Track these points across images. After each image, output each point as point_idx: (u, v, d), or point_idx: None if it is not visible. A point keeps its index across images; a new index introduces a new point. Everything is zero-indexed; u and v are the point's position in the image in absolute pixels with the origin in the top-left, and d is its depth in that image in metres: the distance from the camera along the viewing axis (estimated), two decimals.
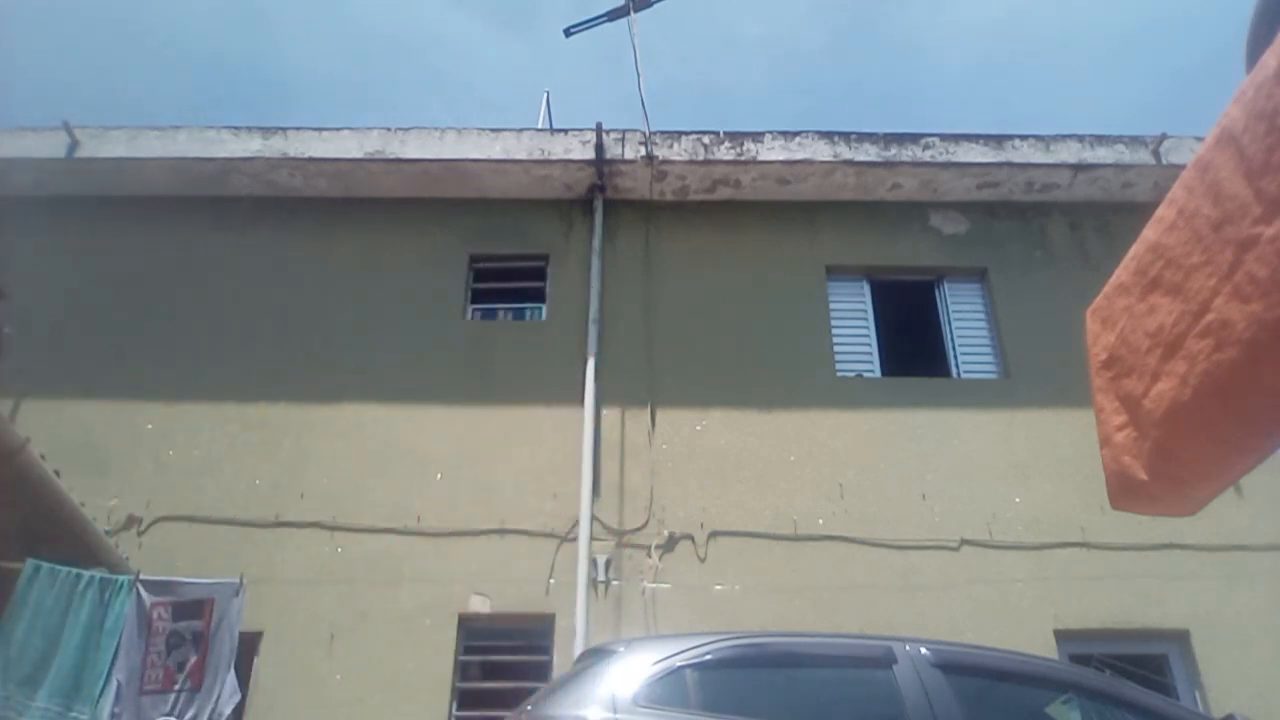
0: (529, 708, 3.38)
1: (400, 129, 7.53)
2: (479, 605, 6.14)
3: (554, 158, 7.44)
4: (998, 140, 7.62)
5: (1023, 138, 7.63)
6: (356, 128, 7.53)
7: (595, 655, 3.61)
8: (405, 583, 6.20)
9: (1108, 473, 1.69)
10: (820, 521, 6.48)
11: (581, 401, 6.78)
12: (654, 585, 6.23)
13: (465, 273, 7.55)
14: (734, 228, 7.73)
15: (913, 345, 7.53)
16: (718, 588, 6.24)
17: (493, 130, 7.54)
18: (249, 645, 5.71)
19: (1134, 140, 7.62)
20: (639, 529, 6.44)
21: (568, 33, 7.91)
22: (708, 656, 3.40)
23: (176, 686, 4.74)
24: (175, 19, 20.40)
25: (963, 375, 7.25)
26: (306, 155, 7.44)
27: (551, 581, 6.21)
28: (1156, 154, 7.54)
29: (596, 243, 7.51)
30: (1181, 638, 6.13)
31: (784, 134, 7.55)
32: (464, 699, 5.95)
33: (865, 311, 7.52)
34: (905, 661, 3.42)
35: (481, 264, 7.68)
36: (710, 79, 24.28)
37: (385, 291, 7.36)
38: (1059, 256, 7.64)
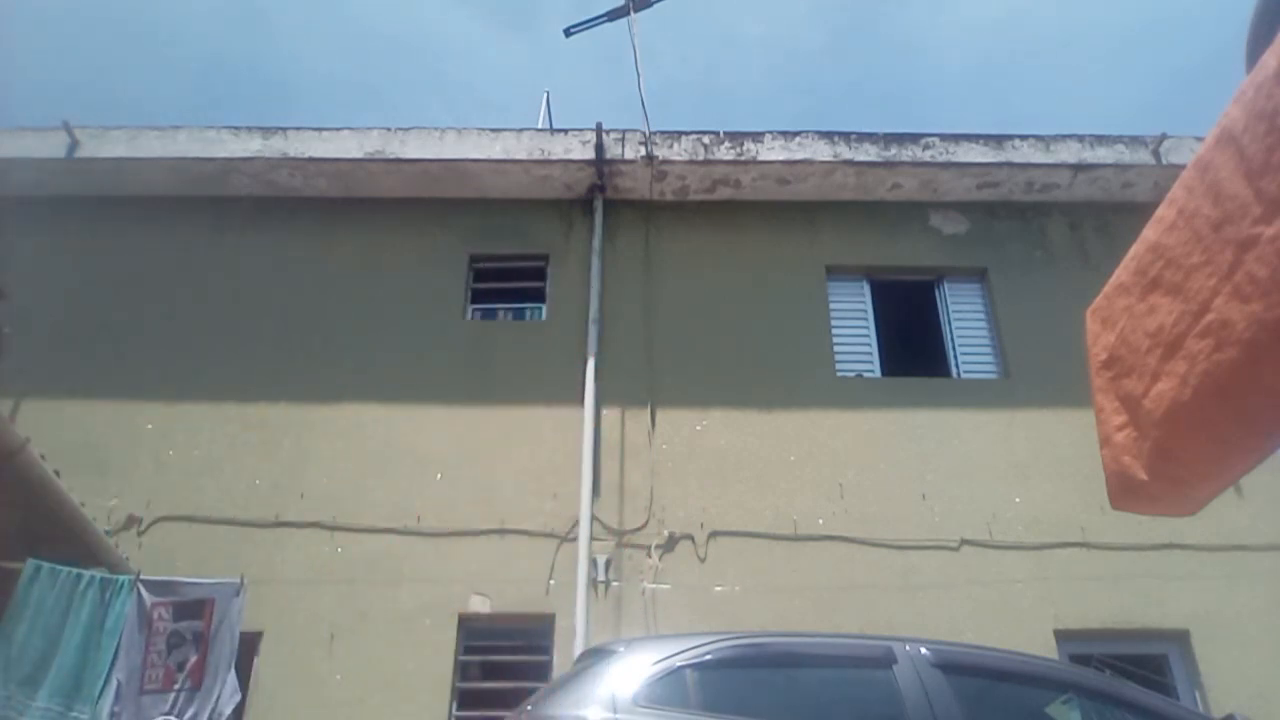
0: (529, 708, 3.38)
1: (400, 129, 7.53)
2: (479, 605, 6.14)
3: (554, 158, 7.44)
4: (998, 140, 7.62)
5: (1023, 138, 7.63)
6: (356, 128, 7.53)
7: (595, 655, 3.61)
8: (405, 583, 6.20)
9: (1108, 473, 1.69)
10: (820, 521, 6.48)
11: (581, 401, 6.78)
12: (654, 585, 6.23)
13: (465, 273, 7.55)
14: (734, 228, 7.74)
15: (913, 345, 7.53)
16: (718, 588, 6.24)
17: (493, 130, 7.55)
18: (249, 645, 5.70)
19: (1134, 140, 7.62)
20: (639, 529, 6.44)
21: (568, 33, 7.91)
22: (708, 656, 3.40)
23: (176, 686, 4.74)
24: (175, 19, 20.42)
25: (963, 375, 7.25)
26: (306, 155, 7.44)
27: (551, 581, 6.21)
28: (1156, 154, 7.54)
29: (596, 243, 7.51)
30: (1181, 638, 6.13)
31: (784, 134, 7.55)
32: (464, 699, 5.95)
33: (865, 311, 7.52)
34: (905, 661, 3.42)
35: (481, 264, 7.68)
36: (710, 79, 24.29)
37: (385, 291, 7.36)
38: (1059, 256, 7.64)
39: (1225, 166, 1.34)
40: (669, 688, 3.27)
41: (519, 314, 7.58)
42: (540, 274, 7.61)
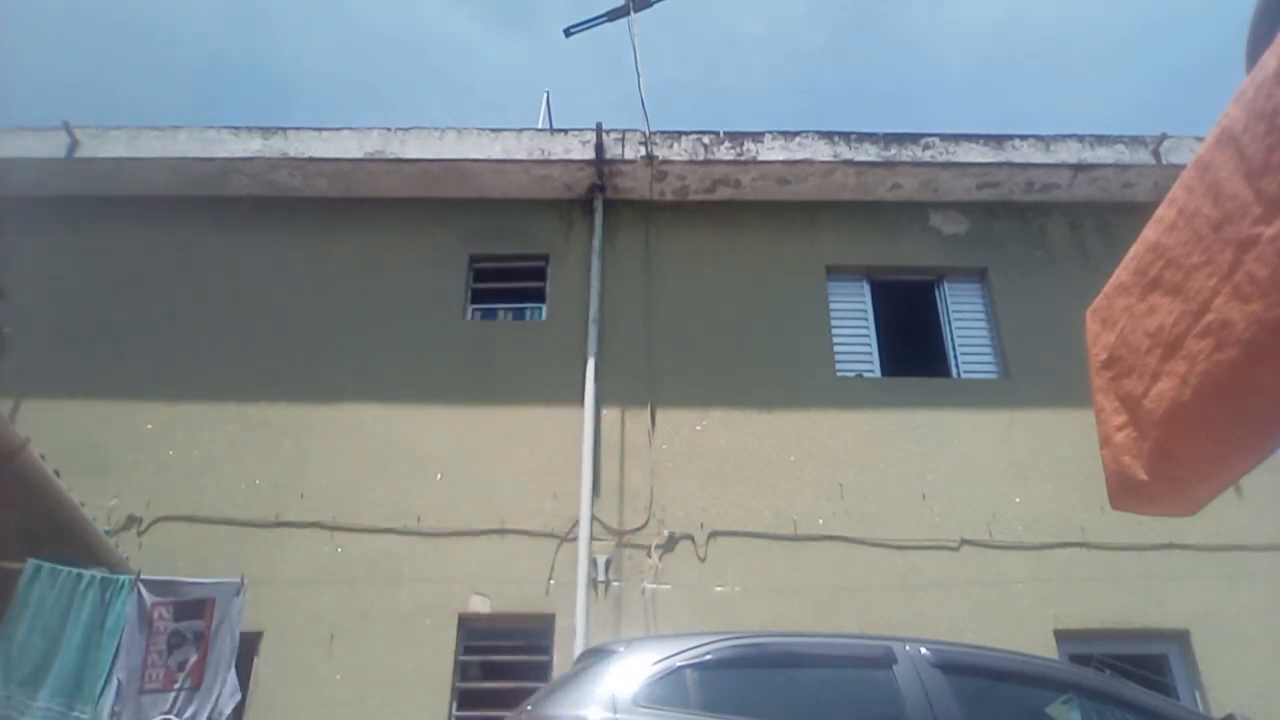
0: (529, 708, 3.38)
1: (400, 129, 7.53)
2: (479, 605, 6.14)
3: (554, 158, 7.44)
4: (998, 140, 7.62)
5: (1023, 138, 7.63)
6: (356, 128, 7.53)
7: (595, 655, 3.61)
8: (405, 583, 6.20)
9: (1108, 473, 1.69)
10: (820, 521, 6.48)
11: (581, 401, 6.78)
12: (654, 585, 6.23)
13: (465, 273, 7.55)
14: (734, 228, 7.74)
15: (913, 345, 7.53)
16: (718, 588, 6.24)
17: (493, 130, 7.55)
18: (249, 645, 5.70)
19: (1134, 140, 7.62)
20: (639, 529, 6.44)
21: (568, 33, 7.91)
22: (708, 656, 3.40)
23: (177, 686, 4.74)
24: (175, 19, 20.42)
25: (963, 375, 7.25)
26: (306, 155, 7.44)
27: (551, 581, 6.21)
28: (1156, 154, 7.54)
29: (596, 243, 7.51)
30: (1181, 638, 6.13)
31: (784, 134, 7.55)
32: (464, 699, 5.95)
33: (865, 311, 7.52)
34: (905, 661, 3.42)
35: (481, 264, 7.68)
36: (710, 79, 24.29)
37: (385, 291, 7.36)
38: (1059, 256, 7.64)
39: (1225, 166, 1.34)
40: (669, 688, 3.26)
41: (519, 314, 7.58)
42: (540, 274, 7.61)
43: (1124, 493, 1.66)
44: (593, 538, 6.29)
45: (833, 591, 6.20)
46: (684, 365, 7.09)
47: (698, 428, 6.85)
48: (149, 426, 6.76)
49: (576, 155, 7.44)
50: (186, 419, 6.80)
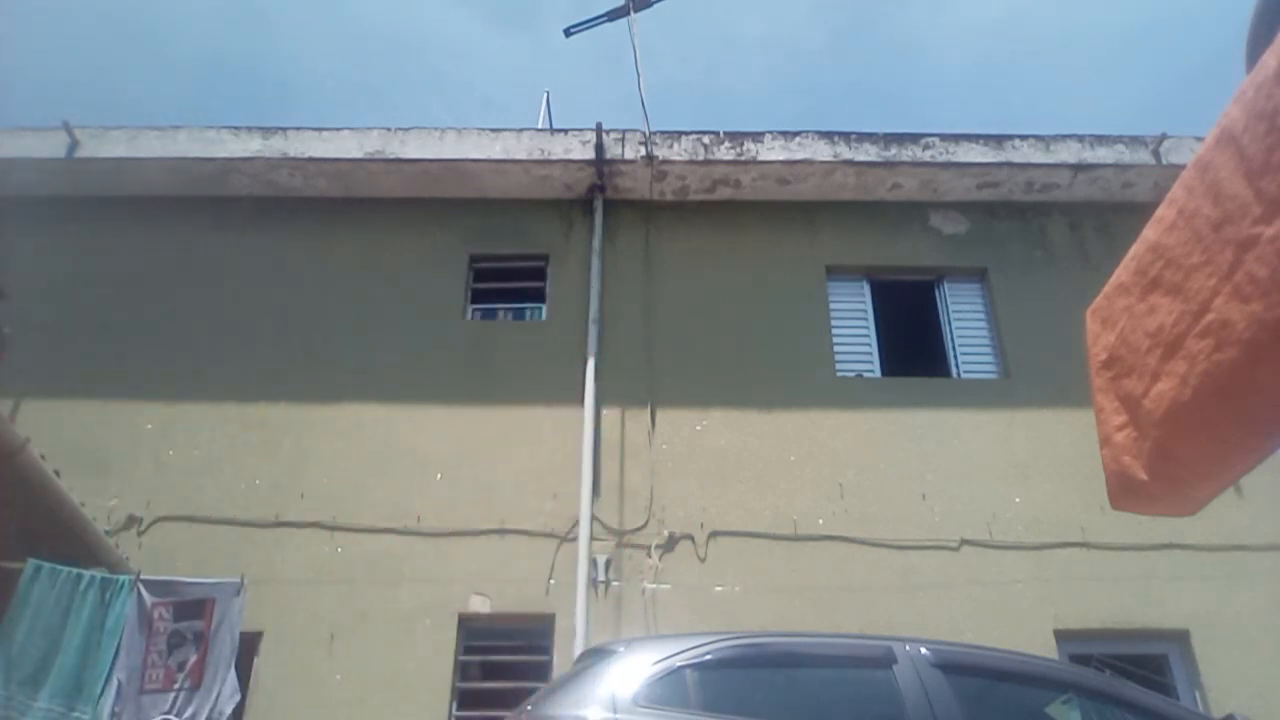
0: (529, 708, 3.38)
1: (400, 129, 7.53)
2: (479, 605, 6.14)
3: (554, 158, 7.44)
4: (998, 140, 7.62)
5: (1023, 138, 7.63)
6: (356, 128, 7.53)
7: (595, 655, 3.61)
8: (405, 583, 6.20)
9: (1108, 473, 1.69)
10: (820, 521, 6.48)
11: (581, 401, 6.78)
12: (654, 585, 6.23)
13: (465, 273, 7.55)
14: (734, 228, 7.73)
15: (913, 345, 7.53)
16: (718, 588, 6.24)
17: (493, 130, 7.55)
18: (249, 645, 5.70)
19: (1134, 140, 7.62)
20: (639, 529, 6.44)
21: (568, 33, 7.91)
22: (708, 656, 3.40)
23: (177, 686, 4.74)
24: (175, 19, 20.42)
25: (963, 375, 7.25)
26: (306, 155, 7.44)
27: (551, 581, 6.21)
28: (1156, 154, 7.54)
29: (596, 243, 7.51)
30: (1181, 638, 6.13)
31: (784, 134, 7.55)
32: (464, 699, 5.95)
33: (865, 311, 7.52)
34: (905, 661, 3.42)
35: (481, 264, 7.68)
36: (710, 79, 24.29)
37: (385, 291, 7.36)
38: (1059, 256, 7.64)
39: (1225, 166, 1.34)
40: (669, 688, 3.26)
41: (519, 314, 7.58)
42: (540, 274, 7.61)
43: (1124, 493, 1.66)
44: (593, 538, 6.29)
45: (833, 591, 6.20)
46: (684, 365, 7.09)
47: (698, 428, 6.85)
48: (149, 426, 6.76)
49: (576, 155, 7.44)
50: (186, 419, 6.80)
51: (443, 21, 23.14)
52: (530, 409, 6.85)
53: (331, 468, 6.62)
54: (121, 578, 4.85)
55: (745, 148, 7.48)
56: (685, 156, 7.44)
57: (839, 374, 7.16)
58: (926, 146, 7.55)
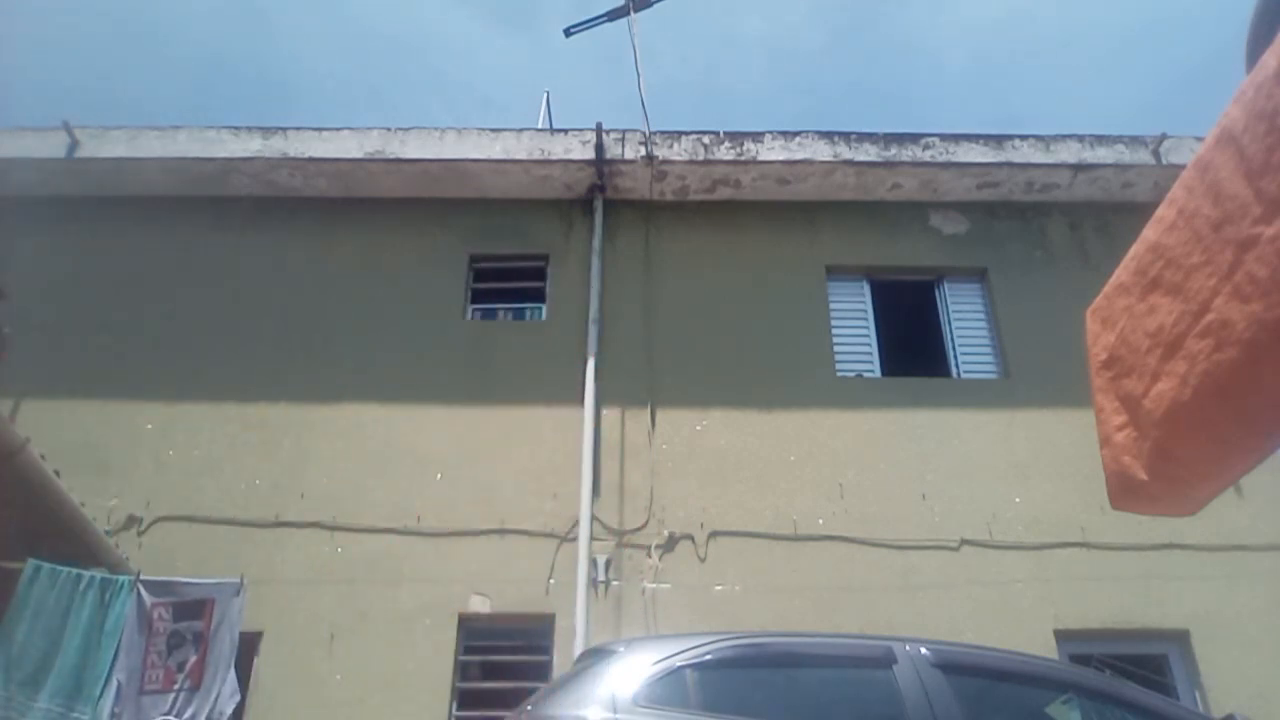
0: (529, 708, 3.38)
1: (400, 129, 7.53)
2: (479, 605, 6.14)
3: (554, 158, 7.44)
4: (998, 140, 7.62)
5: (1023, 138, 7.63)
6: (356, 128, 7.53)
7: (595, 655, 3.61)
8: (405, 583, 6.20)
9: (1108, 473, 1.69)
10: (820, 521, 6.48)
11: (581, 401, 6.78)
12: (654, 585, 6.23)
13: (465, 273, 7.55)
14: (734, 228, 7.73)
15: (913, 345, 7.53)
16: (718, 588, 6.24)
17: (493, 130, 7.55)
18: (249, 645, 5.70)
19: (1134, 140, 7.62)
20: (639, 529, 6.44)
21: (568, 33, 7.91)
22: (708, 656, 3.40)
23: (176, 686, 4.74)
24: (175, 19, 20.42)
25: (963, 375, 7.25)
26: (306, 155, 7.44)
27: (551, 581, 6.21)
28: (1156, 154, 7.54)
29: (596, 243, 7.51)
30: (1181, 638, 6.13)
31: (784, 134, 7.55)
32: (464, 699, 5.95)
33: (865, 311, 7.52)
34: (905, 661, 3.42)
35: (481, 264, 7.68)
36: (710, 79, 24.29)
37: (385, 291, 7.36)
38: (1059, 256, 7.64)
39: (1225, 166, 1.34)
40: (669, 688, 3.26)
41: (519, 314, 7.58)
42: (540, 274, 7.61)
43: (1124, 493, 1.66)
44: (593, 538, 6.29)
45: (833, 591, 6.20)
46: (684, 365, 7.09)
47: (698, 428, 6.85)
48: (149, 426, 6.76)
49: (576, 155, 7.44)
50: (186, 419, 6.80)
51: (443, 21, 23.15)
52: (530, 409, 6.85)
53: (331, 468, 6.62)
54: (121, 578, 4.85)
55: (745, 148, 7.48)
56: (685, 156, 7.44)
57: (839, 374, 7.16)
58: (926, 146, 7.55)
